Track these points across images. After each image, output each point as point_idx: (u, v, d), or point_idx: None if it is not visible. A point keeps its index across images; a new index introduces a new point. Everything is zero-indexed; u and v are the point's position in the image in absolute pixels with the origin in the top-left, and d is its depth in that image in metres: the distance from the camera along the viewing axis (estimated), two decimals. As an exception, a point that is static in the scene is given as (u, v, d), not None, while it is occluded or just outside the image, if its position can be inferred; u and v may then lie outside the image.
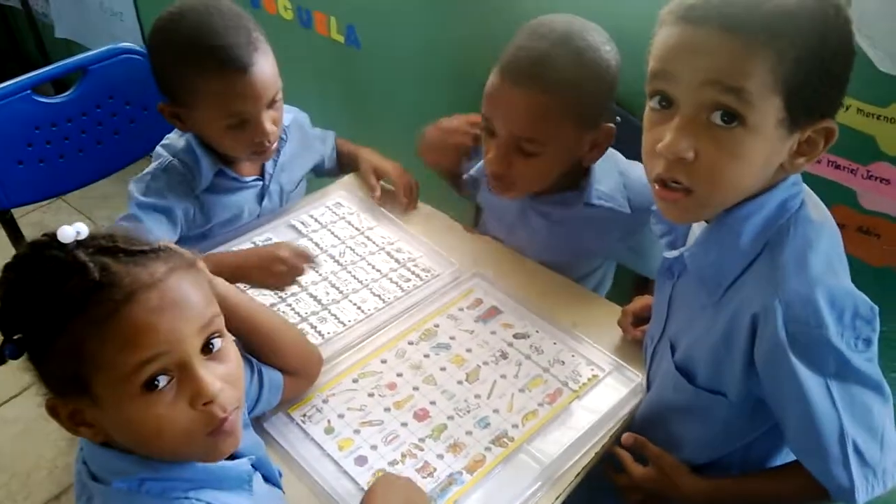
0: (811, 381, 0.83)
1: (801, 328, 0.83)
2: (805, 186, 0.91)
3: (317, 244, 1.37)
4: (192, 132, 1.33)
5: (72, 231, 0.72)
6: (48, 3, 2.84)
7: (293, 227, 1.41)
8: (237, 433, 0.78)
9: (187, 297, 0.74)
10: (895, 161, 1.19)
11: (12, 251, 1.60)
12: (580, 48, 1.12)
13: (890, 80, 1.12)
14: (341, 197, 1.49)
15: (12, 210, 1.61)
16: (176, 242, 0.83)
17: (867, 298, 0.85)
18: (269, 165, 1.43)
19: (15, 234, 1.62)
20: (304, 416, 1.05)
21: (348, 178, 1.56)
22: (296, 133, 1.48)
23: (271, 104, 1.28)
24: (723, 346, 0.91)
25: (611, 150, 1.25)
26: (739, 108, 0.77)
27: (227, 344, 0.79)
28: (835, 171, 1.24)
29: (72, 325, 0.69)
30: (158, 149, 1.36)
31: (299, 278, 1.26)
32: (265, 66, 1.25)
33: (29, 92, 1.55)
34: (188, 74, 1.22)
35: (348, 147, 1.60)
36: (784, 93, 0.77)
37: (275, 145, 1.35)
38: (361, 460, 1.00)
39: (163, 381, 0.71)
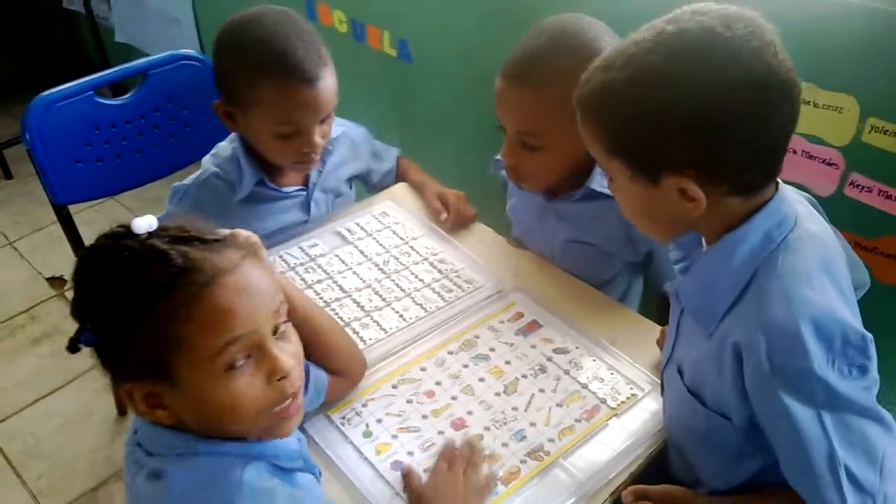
0: (800, 412, 0.81)
1: (785, 360, 0.81)
2: (802, 200, 0.93)
3: (362, 252, 1.39)
4: (240, 134, 1.36)
5: (144, 223, 0.76)
6: (110, 8, 2.94)
7: (339, 234, 1.44)
8: (300, 413, 0.84)
9: (261, 282, 0.78)
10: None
11: (68, 246, 1.67)
12: (576, 45, 1.14)
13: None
14: (388, 207, 1.51)
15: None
16: None
17: (859, 326, 0.83)
18: (313, 175, 1.46)
19: (71, 230, 1.67)
20: (344, 418, 1.07)
21: (396, 189, 1.58)
22: (344, 145, 1.51)
23: (324, 119, 1.32)
24: (717, 374, 0.90)
25: None
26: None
27: (289, 328, 0.83)
28: (885, 202, 1.23)
29: (156, 310, 0.72)
30: (205, 158, 1.41)
31: (343, 284, 1.28)
32: (329, 82, 1.29)
33: (91, 93, 1.60)
34: (254, 76, 1.25)
35: (416, 176, 1.59)
36: (617, 155, 0.87)
37: (318, 157, 1.37)
38: (398, 465, 1.01)
39: (241, 360, 0.76)
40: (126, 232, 0.76)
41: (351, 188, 1.58)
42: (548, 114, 1.17)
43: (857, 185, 1.25)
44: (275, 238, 1.42)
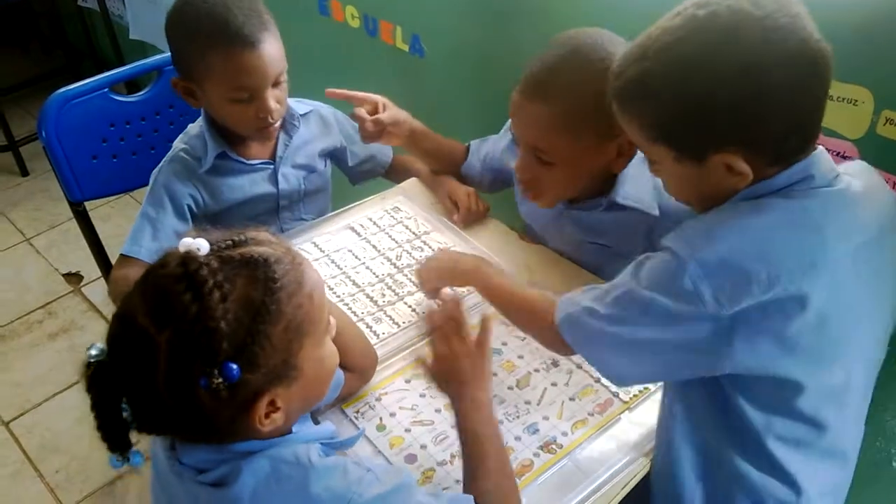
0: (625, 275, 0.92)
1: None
2: (861, 171, 0.95)
3: (375, 247, 1.40)
4: (203, 108, 1.41)
5: (200, 243, 0.76)
6: (124, 5, 2.95)
7: (352, 228, 1.44)
8: None
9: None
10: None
11: (84, 242, 1.69)
12: (590, 60, 1.12)
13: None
14: (399, 202, 1.52)
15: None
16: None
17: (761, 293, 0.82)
18: (280, 148, 1.48)
19: (88, 226, 1.68)
20: (358, 412, 1.08)
21: (407, 184, 1.59)
22: (312, 122, 1.54)
23: (276, 83, 1.35)
24: None
25: None
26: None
27: None
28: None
29: (280, 307, 0.75)
30: (176, 139, 1.46)
31: (356, 279, 1.29)
32: (272, 46, 1.32)
33: (107, 90, 1.61)
34: (201, 49, 1.30)
35: (423, 167, 1.61)
36: (661, 140, 0.89)
37: (277, 124, 1.41)
38: (411, 458, 1.02)
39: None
40: (188, 257, 0.75)
41: (325, 166, 1.58)
42: (560, 129, 1.16)
43: (872, 178, 1.25)
44: (289, 233, 1.43)
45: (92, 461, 2.00)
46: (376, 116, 1.41)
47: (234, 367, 0.72)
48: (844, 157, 1.27)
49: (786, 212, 0.85)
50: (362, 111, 1.41)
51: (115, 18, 3.07)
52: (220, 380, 0.71)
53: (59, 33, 3.57)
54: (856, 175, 0.92)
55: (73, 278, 2.58)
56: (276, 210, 1.51)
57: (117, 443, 0.78)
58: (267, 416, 0.77)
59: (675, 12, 0.85)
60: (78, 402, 2.14)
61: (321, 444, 0.84)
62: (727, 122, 0.83)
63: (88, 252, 1.74)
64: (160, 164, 1.44)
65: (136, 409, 0.77)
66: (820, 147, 0.89)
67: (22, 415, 2.13)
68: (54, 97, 1.55)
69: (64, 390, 2.19)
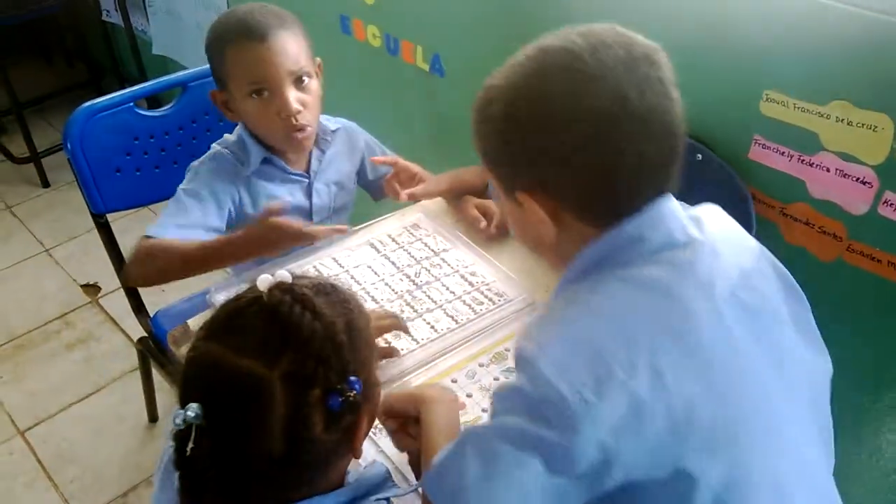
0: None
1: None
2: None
3: (394, 263, 1.41)
4: (238, 121, 1.45)
5: (283, 273, 0.78)
6: (148, 21, 3.00)
7: (371, 244, 1.46)
8: None
9: None
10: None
11: (102, 254, 1.70)
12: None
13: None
14: (419, 219, 1.53)
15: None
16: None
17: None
18: (314, 163, 1.52)
19: (110, 238, 1.70)
20: (377, 429, 1.08)
21: (426, 201, 1.60)
22: (341, 138, 1.58)
23: (298, 82, 1.38)
24: None
25: None
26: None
27: None
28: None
29: (360, 327, 0.78)
30: (213, 145, 1.49)
31: (375, 295, 1.31)
32: (286, 41, 1.36)
33: (132, 104, 1.64)
34: (222, 50, 1.36)
35: None
36: (490, 171, 0.88)
37: (309, 130, 1.43)
38: (429, 475, 1.02)
39: None
40: (284, 285, 0.76)
41: (354, 184, 1.64)
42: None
43: (892, 204, 1.24)
44: (306, 248, 1.44)
45: (106, 473, 2.00)
46: (412, 191, 1.44)
47: (356, 380, 0.73)
48: (864, 183, 1.27)
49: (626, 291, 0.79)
50: (396, 187, 1.46)
51: (139, 33, 3.11)
52: (353, 392, 0.71)
53: (82, 47, 3.62)
54: (710, 221, 0.87)
55: (91, 289, 2.60)
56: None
57: None
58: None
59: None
60: (93, 413, 2.16)
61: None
62: (527, 160, 0.81)
63: (106, 264, 1.76)
64: (200, 160, 1.47)
65: (223, 480, 0.71)
66: (662, 204, 0.82)
67: (37, 424, 2.14)
68: (80, 110, 1.58)
69: (80, 401, 2.20)
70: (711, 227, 0.86)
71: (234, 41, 1.35)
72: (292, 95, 1.37)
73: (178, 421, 0.69)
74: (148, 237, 1.34)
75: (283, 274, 0.77)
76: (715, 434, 0.75)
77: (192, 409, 0.69)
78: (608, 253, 0.82)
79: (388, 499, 0.85)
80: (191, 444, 0.68)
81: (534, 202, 0.82)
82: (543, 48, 0.81)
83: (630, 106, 0.76)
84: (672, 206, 0.83)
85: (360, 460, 0.86)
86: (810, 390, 0.88)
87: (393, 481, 0.89)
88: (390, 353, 1.20)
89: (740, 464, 0.76)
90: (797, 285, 0.92)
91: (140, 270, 1.37)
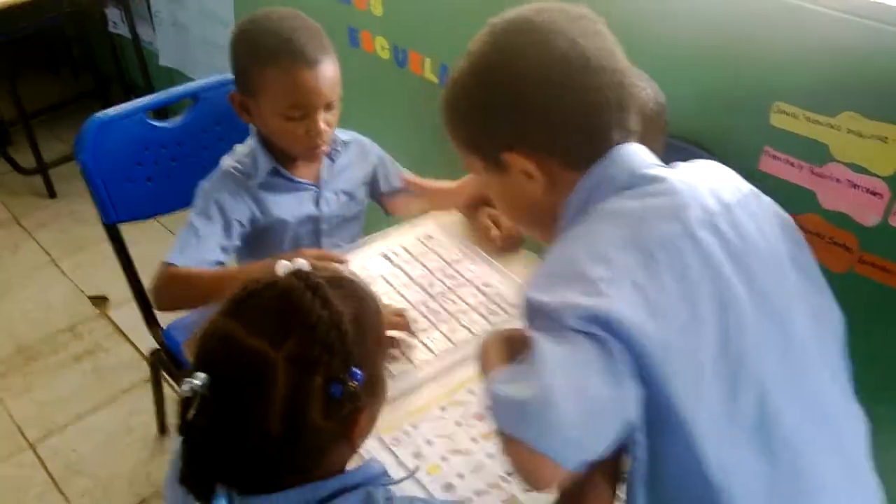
0: None
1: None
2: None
3: (407, 273, 1.41)
4: (255, 124, 1.47)
5: (300, 261, 0.79)
6: (155, 33, 3.01)
7: (385, 255, 1.46)
8: None
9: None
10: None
11: (110, 265, 1.70)
12: None
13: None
14: (431, 230, 1.54)
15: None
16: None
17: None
18: (324, 172, 1.54)
19: (121, 248, 1.70)
20: (395, 439, 1.09)
21: (439, 212, 1.60)
22: (352, 150, 1.60)
23: (328, 107, 1.41)
24: None
25: None
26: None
27: None
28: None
29: (370, 322, 0.80)
30: (223, 158, 1.51)
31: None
32: (331, 69, 1.39)
33: (143, 115, 1.65)
34: (262, 64, 1.36)
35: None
36: (468, 149, 0.94)
37: (325, 147, 1.46)
38: (448, 487, 1.02)
39: None
40: (300, 272, 0.77)
41: (364, 194, 1.65)
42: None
43: (903, 216, 1.25)
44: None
45: (115, 485, 2.00)
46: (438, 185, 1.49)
47: (359, 371, 0.74)
48: (874, 195, 1.28)
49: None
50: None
51: (145, 45, 3.13)
52: (354, 383, 0.72)
53: (88, 58, 3.64)
54: (689, 166, 0.91)
55: (99, 301, 2.60)
56: (317, 233, 1.56)
57: (204, 490, 0.74)
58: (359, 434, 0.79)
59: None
60: (102, 425, 2.16)
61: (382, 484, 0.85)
62: (505, 117, 0.87)
63: (114, 275, 1.76)
64: (209, 178, 1.48)
65: (223, 452, 0.73)
66: (624, 147, 0.88)
67: (47, 436, 2.14)
68: (92, 120, 1.59)
69: (89, 413, 2.20)
70: (689, 168, 0.91)
71: (281, 60, 1.35)
72: (321, 118, 1.40)
73: (186, 388, 0.71)
74: (168, 264, 1.37)
75: (301, 262, 0.79)
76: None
77: (200, 378, 0.71)
78: (587, 196, 0.87)
79: (385, 486, 0.85)
80: (192, 411, 0.70)
81: (520, 156, 0.87)
82: (490, 27, 0.90)
83: (581, 48, 0.84)
84: (634, 148, 0.89)
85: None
86: (806, 314, 0.88)
87: (390, 476, 0.89)
88: (394, 343, 1.23)
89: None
90: (800, 236, 0.92)
91: (166, 301, 1.42)
